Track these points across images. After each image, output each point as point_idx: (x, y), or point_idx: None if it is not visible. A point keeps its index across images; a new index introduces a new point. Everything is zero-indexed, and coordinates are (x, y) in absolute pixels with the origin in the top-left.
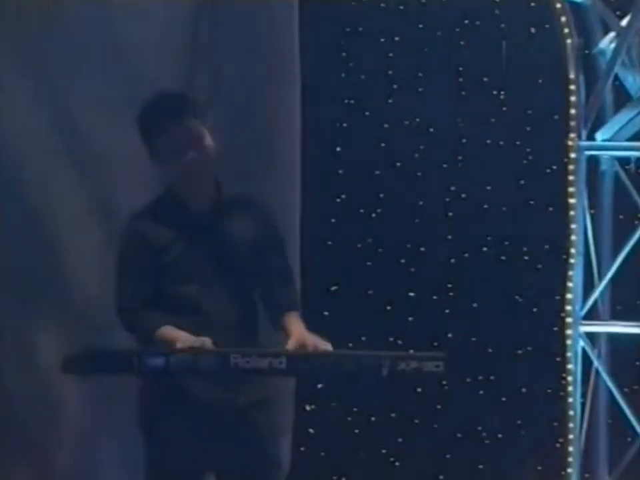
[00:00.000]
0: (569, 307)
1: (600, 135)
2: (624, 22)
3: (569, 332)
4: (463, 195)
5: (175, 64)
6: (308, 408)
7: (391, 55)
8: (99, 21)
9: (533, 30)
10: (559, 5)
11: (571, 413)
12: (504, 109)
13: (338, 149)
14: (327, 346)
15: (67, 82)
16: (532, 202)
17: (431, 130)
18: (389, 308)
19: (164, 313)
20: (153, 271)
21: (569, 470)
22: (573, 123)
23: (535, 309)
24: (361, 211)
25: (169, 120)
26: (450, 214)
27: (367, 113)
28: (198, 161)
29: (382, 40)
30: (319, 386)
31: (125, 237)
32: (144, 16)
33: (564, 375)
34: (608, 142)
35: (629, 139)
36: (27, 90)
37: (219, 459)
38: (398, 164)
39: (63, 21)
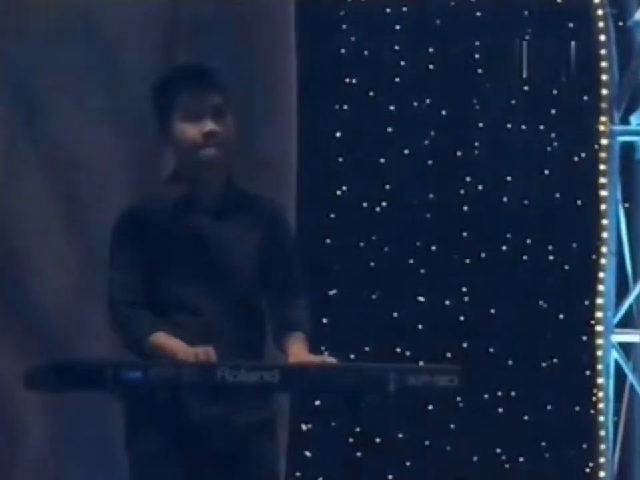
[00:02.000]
0: (599, 314)
1: (635, 119)
2: None
3: (599, 342)
4: (480, 187)
5: (154, 66)
6: (304, 428)
7: (398, 27)
8: (78, 21)
9: None
10: None
11: (602, 433)
12: (525, 88)
13: (337, 134)
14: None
15: (41, 84)
16: (557, 195)
17: (443, 113)
18: (395, 315)
19: (159, 316)
20: (150, 263)
21: None
22: (604, 105)
23: (561, 316)
24: (364, 204)
25: (190, 82)
26: (465, 208)
27: (371, 94)
28: (217, 138)
29: (388, 11)
30: (317, 403)
31: (122, 223)
32: (123, 14)
33: (594, 390)
34: None
35: None
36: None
37: None
38: (405, 151)
39: (39, 20)
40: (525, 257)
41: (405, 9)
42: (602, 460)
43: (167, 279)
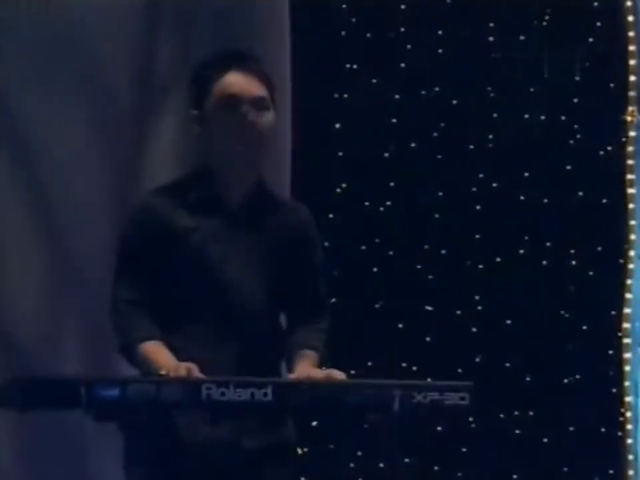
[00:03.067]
0: (627, 325)
1: None
2: None
3: (627, 355)
4: (494, 185)
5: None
6: (300, 451)
7: (403, 6)
8: (52, 12)
9: None
10: None
11: (631, 457)
12: (545, 75)
13: (337, 125)
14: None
15: (11, 78)
16: (581, 193)
17: (454, 102)
18: (400, 325)
19: (162, 319)
20: (161, 265)
21: None
22: (632, 93)
23: (584, 327)
24: (366, 203)
25: (238, 67)
26: (477, 207)
27: (374, 81)
28: (257, 131)
29: None
30: (314, 423)
31: (134, 218)
32: (100, 5)
33: (622, 409)
34: None
35: None
36: None
37: None
38: (412, 144)
39: (15, 17)
40: (544, 262)
41: None
42: None
43: (177, 283)
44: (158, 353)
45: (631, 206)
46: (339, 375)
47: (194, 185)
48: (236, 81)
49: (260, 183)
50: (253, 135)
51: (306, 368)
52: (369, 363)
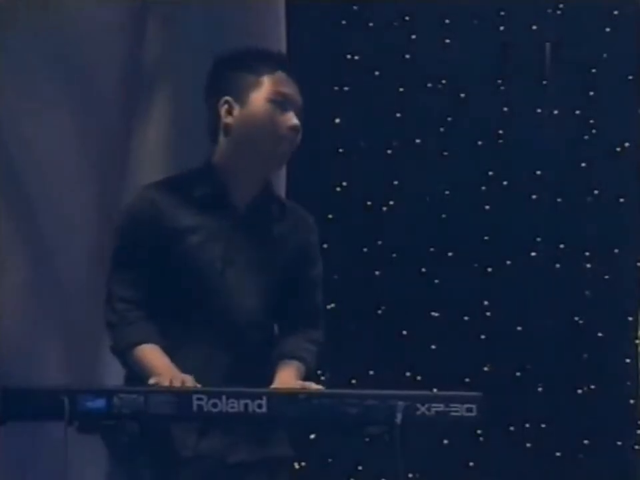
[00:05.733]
0: None
1: None
2: None
3: None
4: (505, 183)
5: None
6: (297, 466)
7: None
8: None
9: None
10: None
11: None
12: (559, 66)
13: (337, 120)
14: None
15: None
16: (596, 191)
17: (461, 95)
18: (404, 332)
19: (158, 320)
20: (159, 263)
21: None
22: None
23: (600, 334)
24: (368, 203)
25: (286, 67)
26: (487, 207)
27: (377, 73)
28: (297, 137)
29: None
30: (312, 436)
31: (134, 212)
32: (89, 17)
33: (639, 421)
34: None
35: None
36: None
37: None
38: (417, 140)
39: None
40: (557, 265)
41: None
42: None
43: (175, 282)
44: (154, 357)
45: None
46: (315, 388)
47: (199, 182)
48: (288, 83)
49: (267, 186)
50: (294, 140)
51: (286, 379)
52: (371, 372)
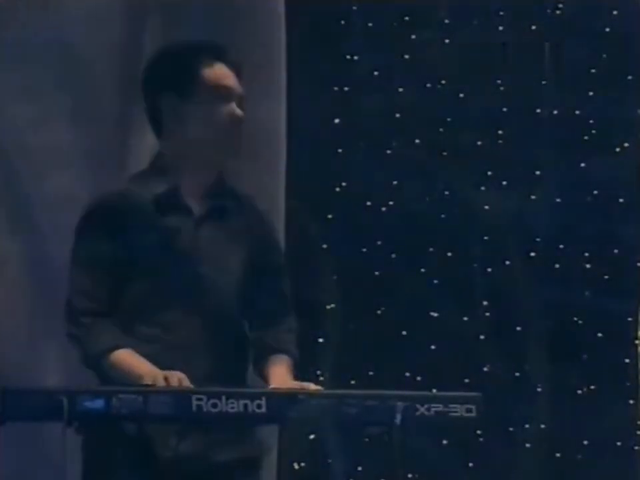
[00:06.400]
0: None
1: None
2: None
3: None
4: (504, 183)
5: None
6: (297, 466)
7: None
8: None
9: None
10: None
11: None
12: (559, 65)
13: (336, 120)
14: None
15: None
16: (596, 192)
17: (461, 95)
18: (404, 333)
19: (124, 327)
20: (118, 269)
21: None
22: None
23: (599, 335)
24: (367, 203)
25: (224, 59)
26: (486, 207)
27: (376, 73)
28: (241, 128)
29: None
30: (311, 437)
31: (88, 219)
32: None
33: (639, 422)
34: None
35: None
36: None
37: None
38: (416, 141)
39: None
40: (556, 265)
41: None
42: None
43: (136, 289)
44: (134, 361)
45: None
46: (314, 388)
47: (152, 181)
48: (227, 74)
49: (220, 179)
50: (239, 130)
51: (283, 377)
52: (370, 373)
